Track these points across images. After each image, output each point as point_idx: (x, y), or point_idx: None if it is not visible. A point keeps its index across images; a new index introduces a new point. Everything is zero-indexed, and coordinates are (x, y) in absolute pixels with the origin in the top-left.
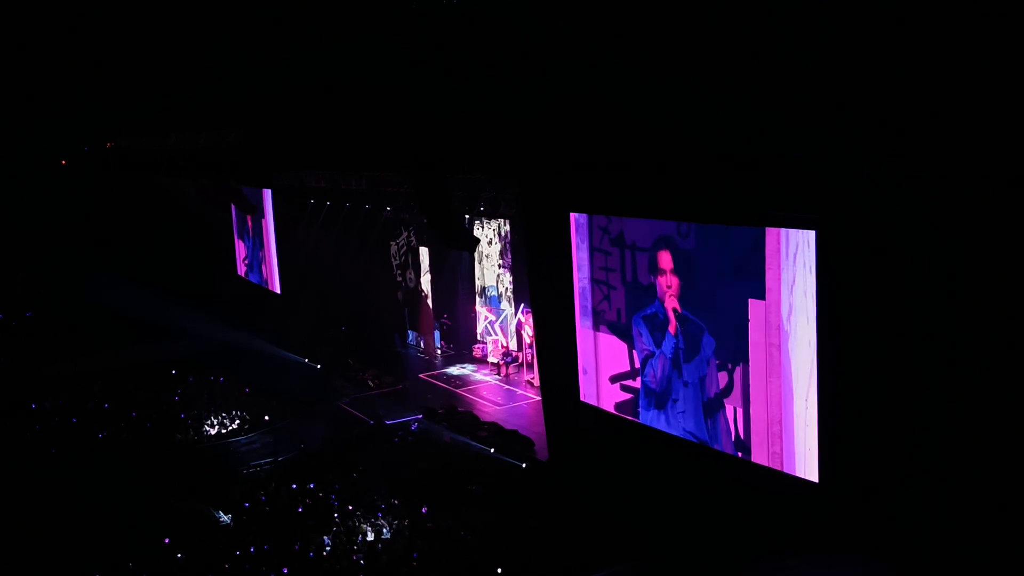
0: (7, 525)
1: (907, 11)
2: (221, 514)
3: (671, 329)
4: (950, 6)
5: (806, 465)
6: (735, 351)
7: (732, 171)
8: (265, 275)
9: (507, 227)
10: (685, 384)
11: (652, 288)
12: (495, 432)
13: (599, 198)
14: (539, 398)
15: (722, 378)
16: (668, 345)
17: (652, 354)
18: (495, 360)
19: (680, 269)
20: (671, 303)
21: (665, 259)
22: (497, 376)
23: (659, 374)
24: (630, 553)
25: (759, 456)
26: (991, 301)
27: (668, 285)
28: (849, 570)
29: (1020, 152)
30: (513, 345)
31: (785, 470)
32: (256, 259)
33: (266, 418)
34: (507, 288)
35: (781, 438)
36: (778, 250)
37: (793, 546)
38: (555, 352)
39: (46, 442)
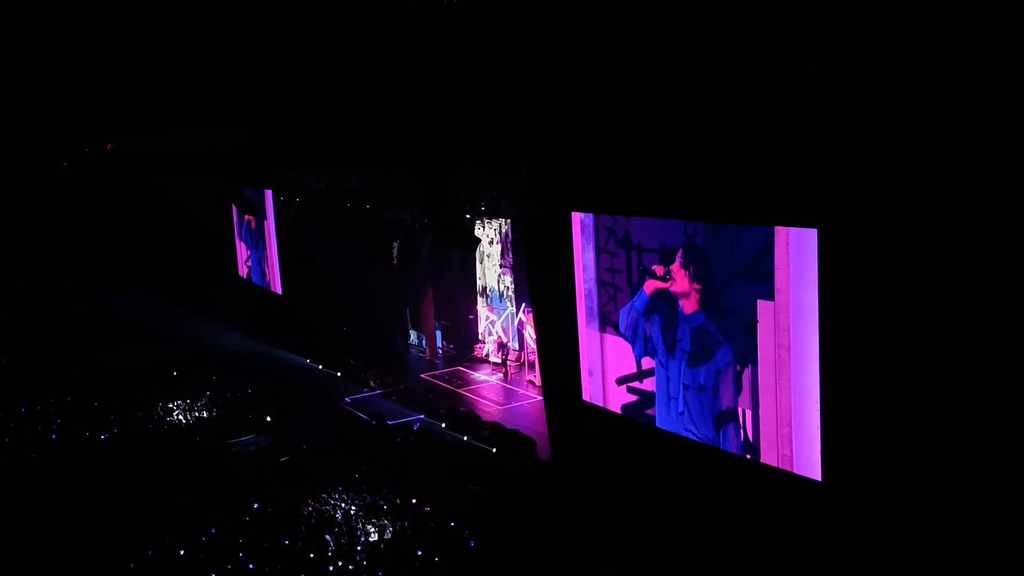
0: (9, 526)
1: (913, 14)
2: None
3: (648, 288)
4: (953, 9)
5: (814, 466)
6: (744, 353)
7: (736, 169)
8: (267, 276)
9: (508, 227)
10: (685, 387)
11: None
12: (497, 432)
13: (600, 197)
14: (541, 398)
15: (731, 380)
16: (641, 299)
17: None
18: (497, 360)
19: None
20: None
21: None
22: (501, 376)
23: (626, 320)
24: (632, 553)
25: (768, 458)
26: (995, 301)
27: (668, 272)
28: None
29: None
30: (515, 345)
31: (795, 471)
32: (258, 260)
33: (268, 419)
34: (507, 288)
35: (791, 440)
36: (787, 251)
37: (796, 545)
38: (557, 352)
39: (47, 443)
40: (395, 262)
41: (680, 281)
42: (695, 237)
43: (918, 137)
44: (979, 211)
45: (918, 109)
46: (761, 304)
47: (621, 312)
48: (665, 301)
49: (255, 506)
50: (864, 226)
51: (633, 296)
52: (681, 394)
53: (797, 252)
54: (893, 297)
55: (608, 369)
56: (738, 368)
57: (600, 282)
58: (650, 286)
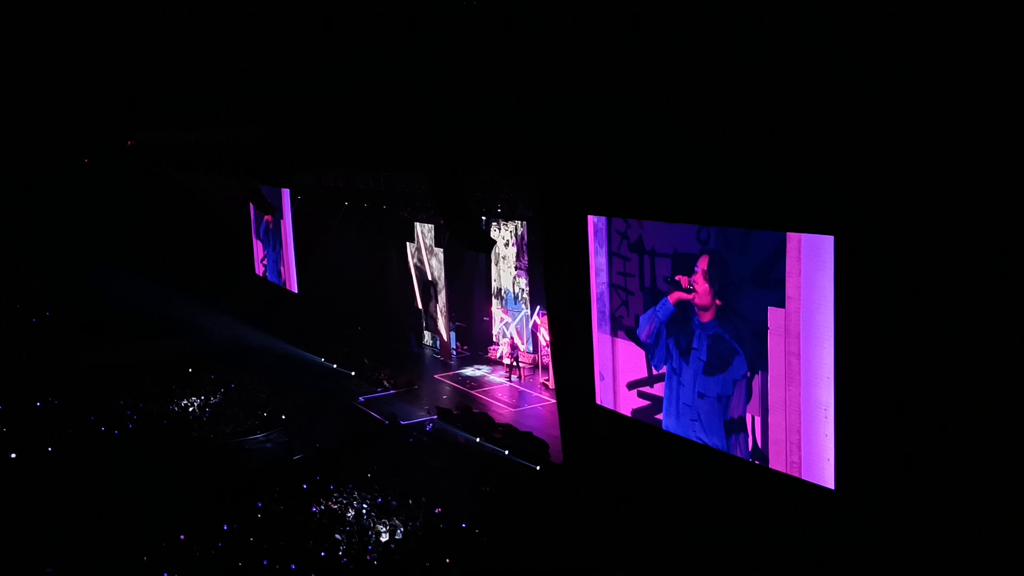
0: (23, 520)
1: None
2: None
3: (672, 298)
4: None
5: (823, 473)
6: (755, 359)
7: (752, 174)
8: (283, 274)
9: (523, 229)
10: (700, 396)
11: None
12: (509, 434)
13: (617, 201)
14: (554, 400)
15: (741, 387)
16: (665, 307)
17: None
18: (508, 362)
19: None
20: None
21: (703, 261)
22: (515, 378)
23: (647, 329)
24: (642, 556)
25: (777, 465)
26: (1014, 309)
27: (691, 283)
28: None
29: None
30: (529, 347)
31: (804, 478)
32: (274, 258)
33: (282, 416)
34: (522, 290)
35: (800, 447)
36: (799, 258)
37: (807, 551)
38: (571, 355)
39: (62, 437)
40: (410, 262)
41: (703, 294)
42: (708, 243)
43: (936, 143)
44: (998, 219)
45: (938, 114)
46: (772, 311)
47: (642, 319)
48: (684, 310)
49: (263, 504)
50: (881, 233)
51: (646, 301)
52: (696, 403)
53: (809, 259)
54: (909, 305)
55: (619, 373)
56: (748, 374)
57: (612, 286)
58: (675, 296)
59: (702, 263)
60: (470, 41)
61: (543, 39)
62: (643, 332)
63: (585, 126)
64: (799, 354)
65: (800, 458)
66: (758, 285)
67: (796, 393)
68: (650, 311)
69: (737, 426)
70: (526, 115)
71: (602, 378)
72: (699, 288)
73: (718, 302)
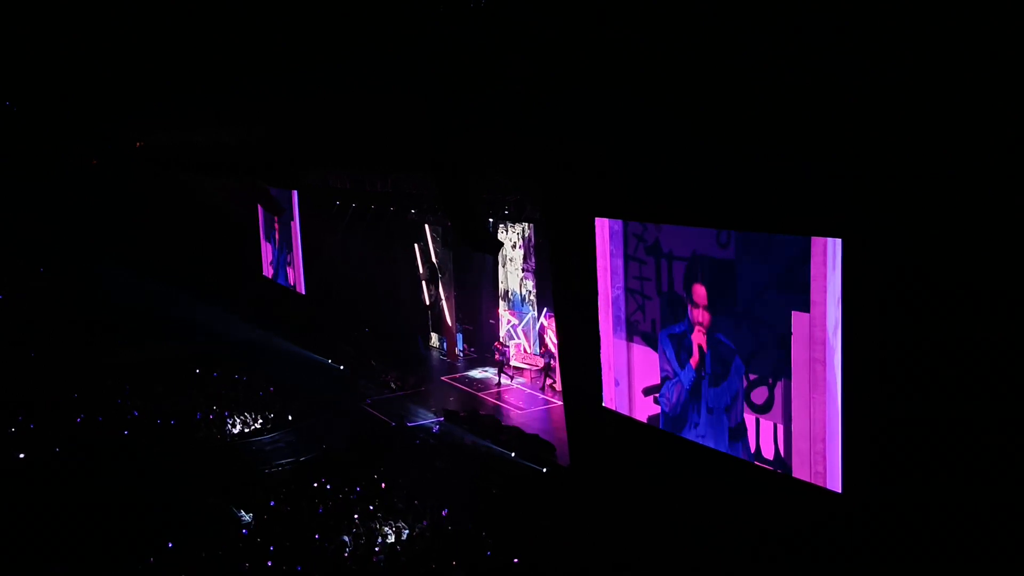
0: (29, 519)
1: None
2: (243, 512)
3: (693, 362)
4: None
5: (832, 477)
6: (776, 365)
7: (756, 176)
8: (291, 276)
9: (531, 231)
10: (709, 411)
11: (686, 303)
12: (516, 436)
13: (622, 203)
14: (561, 403)
15: (762, 393)
16: (688, 375)
17: (670, 377)
18: (520, 364)
19: (715, 293)
20: (699, 335)
21: (699, 293)
22: (514, 380)
23: (674, 399)
24: (649, 559)
25: (801, 474)
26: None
27: (700, 320)
28: None
29: None
30: (536, 349)
31: (828, 487)
32: (282, 260)
33: (289, 418)
34: (529, 292)
35: (825, 457)
36: (824, 261)
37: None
38: (579, 357)
39: (70, 437)
40: (418, 264)
41: (707, 322)
42: (728, 246)
43: (947, 144)
44: (1012, 222)
45: (947, 114)
46: (796, 316)
47: (667, 390)
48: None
49: (273, 504)
50: (891, 235)
51: (663, 306)
52: (705, 418)
53: (835, 262)
54: (919, 309)
55: (635, 379)
56: (770, 381)
57: (628, 290)
58: (695, 360)
59: (699, 297)
60: (474, 41)
61: (547, 39)
62: (667, 405)
63: (588, 128)
64: (824, 360)
65: (825, 468)
66: (781, 290)
67: (821, 401)
68: (673, 384)
69: (739, 434)
70: (530, 116)
71: (617, 384)
72: (705, 321)
73: (711, 300)
